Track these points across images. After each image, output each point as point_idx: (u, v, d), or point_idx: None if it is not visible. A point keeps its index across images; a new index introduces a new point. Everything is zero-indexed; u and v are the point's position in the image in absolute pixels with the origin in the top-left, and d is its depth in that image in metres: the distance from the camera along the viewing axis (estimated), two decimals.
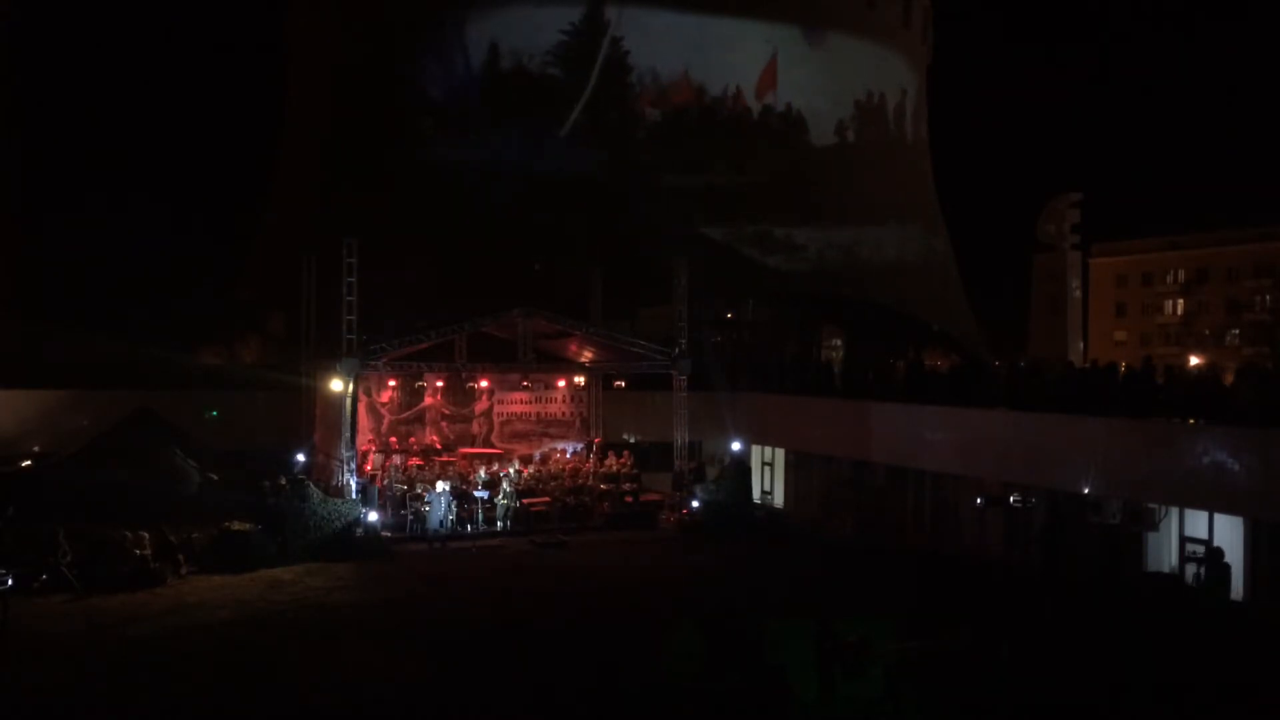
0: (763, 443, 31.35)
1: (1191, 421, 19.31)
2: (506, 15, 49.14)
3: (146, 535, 19.93)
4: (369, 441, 27.34)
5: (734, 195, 49.21)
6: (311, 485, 23.00)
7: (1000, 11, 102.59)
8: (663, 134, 49.91)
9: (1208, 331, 63.85)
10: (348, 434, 24.50)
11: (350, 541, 22.50)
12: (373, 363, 24.82)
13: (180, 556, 20.30)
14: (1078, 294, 37.26)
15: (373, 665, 14.99)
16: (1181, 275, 66.03)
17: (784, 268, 49.37)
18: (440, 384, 28.35)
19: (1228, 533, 18.50)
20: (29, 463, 26.16)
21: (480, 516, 25.06)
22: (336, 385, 24.78)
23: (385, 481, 25.33)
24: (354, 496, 23.64)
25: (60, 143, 55.24)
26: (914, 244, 54.94)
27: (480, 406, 29.07)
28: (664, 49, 49.87)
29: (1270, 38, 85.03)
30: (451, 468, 26.49)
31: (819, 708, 12.38)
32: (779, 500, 30.96)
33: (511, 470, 26.56)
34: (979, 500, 23.46)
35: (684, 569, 21.77)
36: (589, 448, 28.88)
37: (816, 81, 52.73)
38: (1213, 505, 18.63)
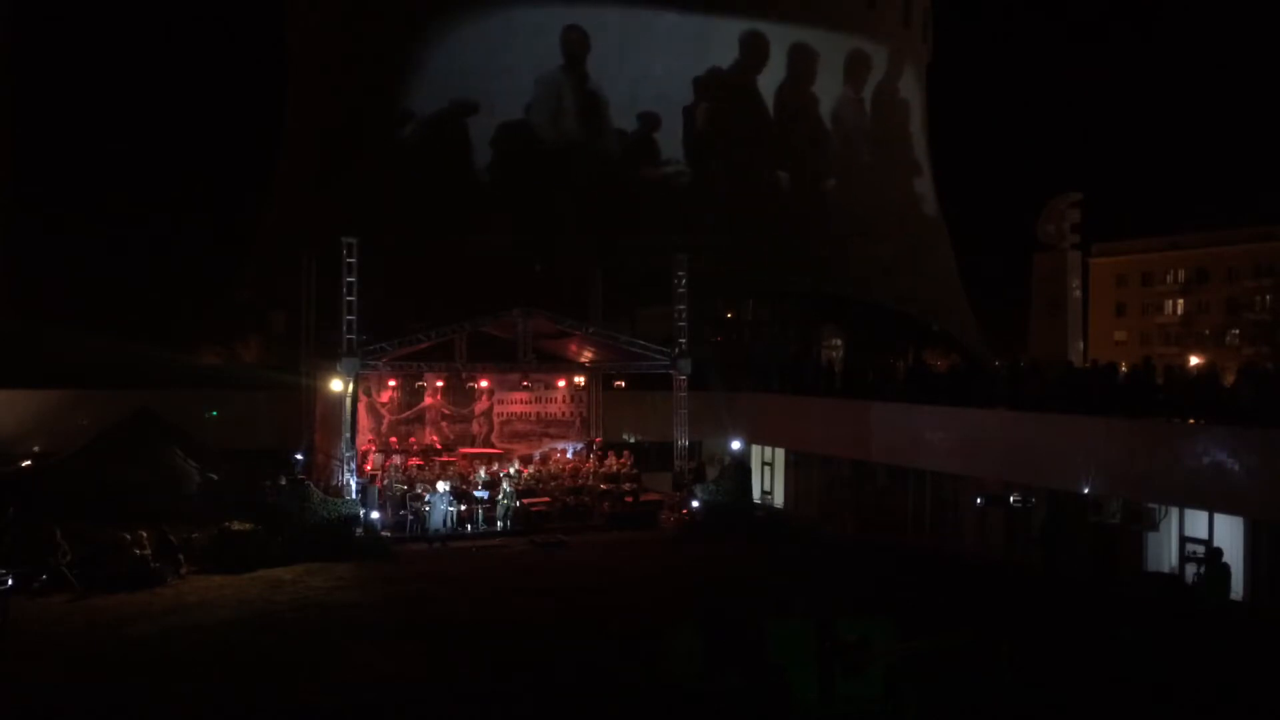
0: (763, 443, 31.35)
1: (1191, 421, 19.32)
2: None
3: (146, 535, 19.92)
4: (369, 441, 27.34)
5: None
6: (311, 485, 23.01)
7: (1000, 11, 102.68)
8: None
9: (1208, 331, 63.87)
10: (348, 434, 24.52)
11: (350, 541, 22.49)
12: (373, 363, 24.83)
13: (180, 556, 20.28)
14: (1078, 294, 37.10)
15: (373, 665, 14.99)
16: (1181, 275, 66.05)
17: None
18: (440, 384, 28.35)
19: (1228, 533, 18.51)
20: (29, 463, 26.19)
21: (480, 516, 25.04)
22: (336, 385, 24.81)
23: (385, 481, 25.32)
24: (354, 496, 23.66)
25: (61, 142, 55.29)
26: (910, 246, 54.92)
27: (480, 406, 29.07)
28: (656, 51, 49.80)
29: (1270, 38, 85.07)
30: (451, 468, 26.48)
31: (819, 708, 12.37)
32: (779, 500, 30.96)
33: (511, 470, 26.55)
34: (979, 500, 23.47)
35: (684, 569, 21.75)
36: (589, 448, 28.88)
37: (814, 83, 52.72)
38: (1213, 505, 18.64)
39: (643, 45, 49.85)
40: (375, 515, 23.90)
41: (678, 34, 50.28)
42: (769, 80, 52.10)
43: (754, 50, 51.62)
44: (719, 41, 51.20)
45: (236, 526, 21.68)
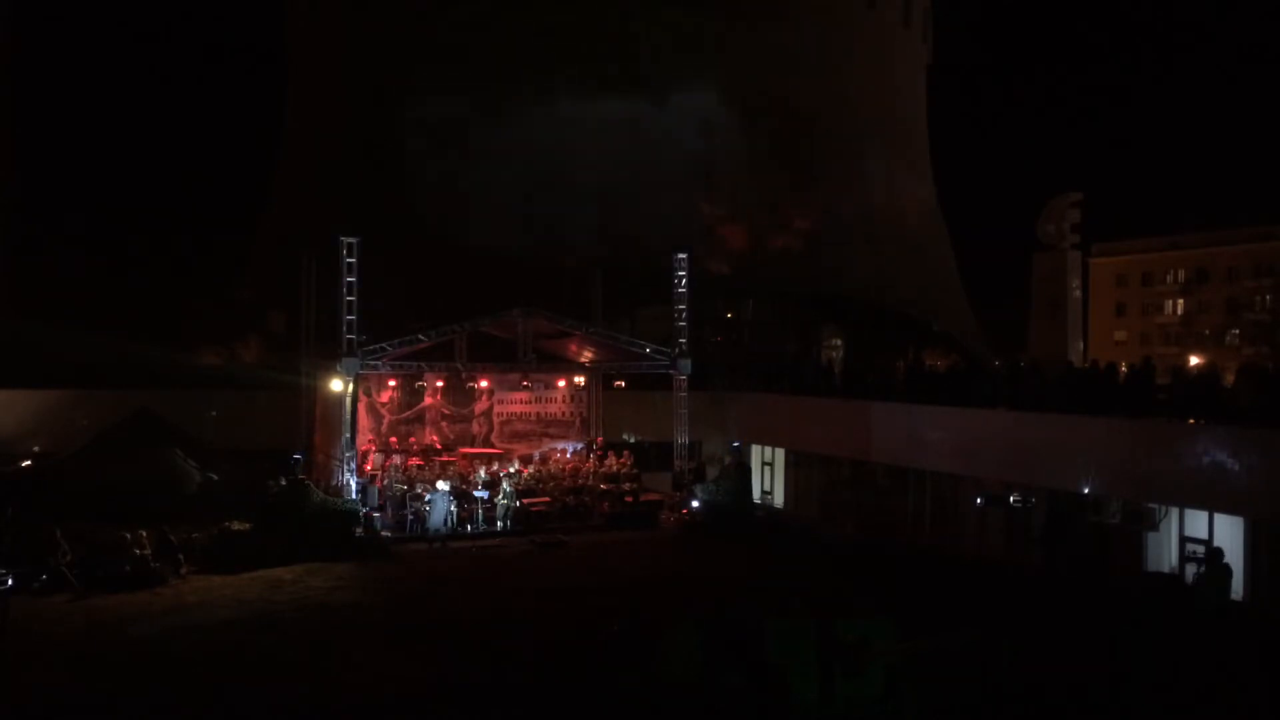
0: (763, 443, 31.36)
1: (1191, 421, 19.32)
2: None
3: (146, 535, 19.93)
4: (369, 441, 27.35)
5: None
6: (311, 485, 23.02)
7: (1000, 11, 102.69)
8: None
9: (1208, 331, 63.91)
10: (348, 434, 24.53)
11: (350, 541, 22.50)
12: (373, 363, 24.84)
13: (180, 556, 20.30)
14: (1078, 294, 37.07)
15: (373, 665, 14.99)
16: (1181, 275, 66.11)
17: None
18: (440, 384, 28.37)
19: (1228, 533, 18.51)
20: (29, 463, 26.20)
21: (480, 516, 25.05)
22: (336, 385, 24.82)
23: (385, 481, 25.34)
24: (354, 496, 23.67)
25: (61, 142, 55.32)
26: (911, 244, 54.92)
27: (480, 406, 29.09)
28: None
29: (1270, 38, 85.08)
30: (451, 468, 26.50)
31: (819, 708, 12.37)
32: (779, 500, 30.98)
33: (511, 470, 26.56)
34: (979, 500, 23.48)
35: (684, 569, 21.76)
36: (589, 448, 28.89)
37: (814, 83, 52.68)
38: (1213, 505, 18.65)
39: (640, 43, 49.79)
40: (375, 515, 23.91)
41: (677, 34, 50.23)
42: (768, 80, 52.03)
43: (752, 50, 51.56)
44: (715, 40, 51.12)
45: (236, 526, 21.70)
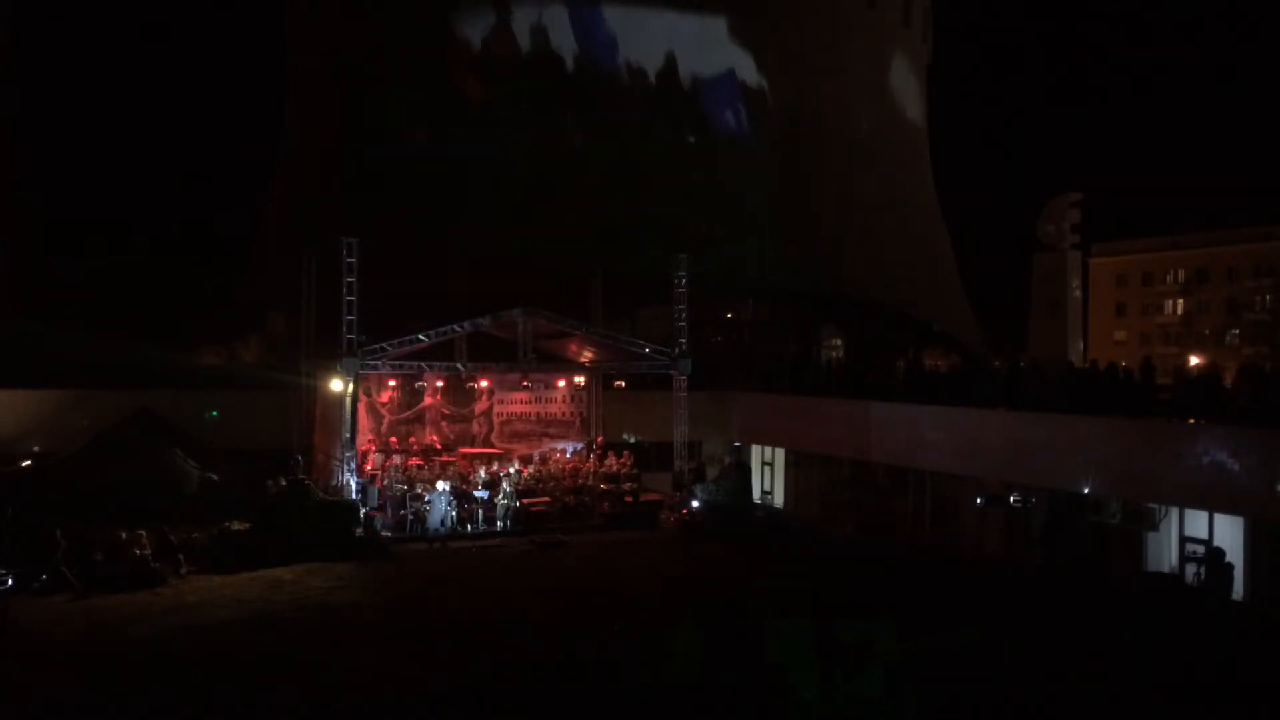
0: (763, 443, 31.35)
1: (1191, 421, 19.33)
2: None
3: (146, 535, 19.93)
4: (369, 441, 27.35)
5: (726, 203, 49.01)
6: (311, 485, 23.02)
7: (1000, 11, 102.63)
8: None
9: (1208, 331, 63.88)
10: (348, 434, 24.54)
11: (350, 541, 22.50)
12: (373, 363, 24.84)
13: (180, 556, 20.31)
14: (1078, 294, 37.06)
15: (373, 665, 14.99)
16: (1181, 275, 66.08)
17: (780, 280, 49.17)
18: (440, 384, 28.37)
19: (1228, 533, 18.51)
20: (29, 463, 26.20)
21: (480, 516, 25.05)
22: (336, 385, 24.83)
23: (385, 481, 25.34)
24: (354, 496, 23.67)
25: (59, 142, 55.31)
26: (912, 245, 54.92)
27: (480, 406, 29.09)
28: (655, 49, 49.86)
29: (1270, 38, 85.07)
30: (451, 468, 26.50)
31: (819, 708, 12.37)
32: (779, 500, 30.97)
33: (511, 470, 26.56)
34: (979, 500, 23.48)
35: (684, 569, 21.77)
36: (589, 448, 28.88)
37: (814, 83, 52.69)
38: (1213, 505, 18.65)
39: (638, 44, 49.81)
40: (375, 515, 23.91)
41: (675, 33, 50.23)
42: (767, 80, 52.04)
43: (752, 49, 51.55)
44: (714, 40, 51.11)
45: (236, 526, 21.71)
